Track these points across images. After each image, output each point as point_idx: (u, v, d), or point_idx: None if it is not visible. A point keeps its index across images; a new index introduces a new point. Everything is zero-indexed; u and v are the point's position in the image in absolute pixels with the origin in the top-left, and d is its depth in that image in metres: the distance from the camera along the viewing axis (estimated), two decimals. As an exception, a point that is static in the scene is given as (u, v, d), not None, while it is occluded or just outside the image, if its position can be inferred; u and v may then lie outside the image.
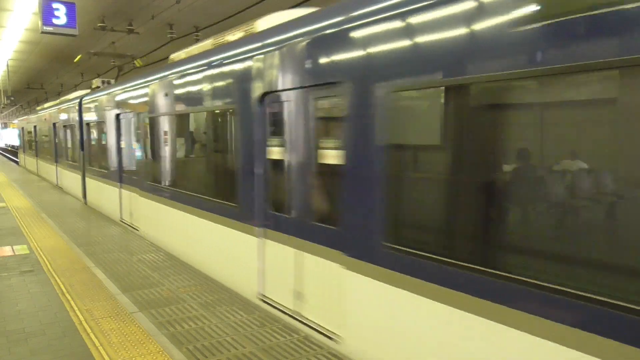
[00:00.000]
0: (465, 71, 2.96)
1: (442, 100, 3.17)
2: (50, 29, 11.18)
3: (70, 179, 15.20)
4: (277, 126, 5.11)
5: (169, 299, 5.62)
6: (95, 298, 5.64)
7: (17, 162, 32.67)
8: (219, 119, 6.24)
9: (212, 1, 13.02)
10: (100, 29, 15.31)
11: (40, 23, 11.14)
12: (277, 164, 5.06)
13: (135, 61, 17.64)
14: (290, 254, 4.86)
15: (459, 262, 3.04)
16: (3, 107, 43.38)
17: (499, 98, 2.90)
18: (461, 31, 2.99)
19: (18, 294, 5.82)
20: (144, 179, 8.79)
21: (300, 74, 4.49)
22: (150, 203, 8.55)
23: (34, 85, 31.77)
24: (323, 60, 4.20)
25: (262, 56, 5.09)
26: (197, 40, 15.75)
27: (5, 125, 66.59)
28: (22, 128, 27.33)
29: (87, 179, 13.28)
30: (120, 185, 10.34)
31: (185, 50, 7.78)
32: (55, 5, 11.10)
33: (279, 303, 5.12)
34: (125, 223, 10.16)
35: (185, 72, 6.97)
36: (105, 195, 11.52)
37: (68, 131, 15.13)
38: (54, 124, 17.29)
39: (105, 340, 4.50)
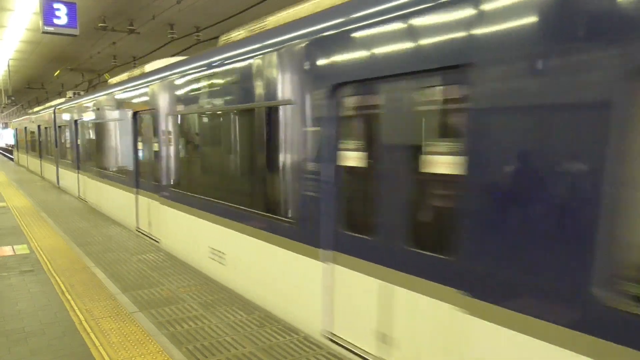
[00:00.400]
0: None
1: None
2: (51, 29, 11.19)
3: (50, 170, 19.20)
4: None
5: (168, 298, 5.62)
6: (95, 298, 5.64)
7: (12, 160, 36.34)
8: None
9: (213, 1, 13.03)
10: (101, 29, 15.33)
11: (41, 23, 11.15)
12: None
13: (105, 75, 20.91)
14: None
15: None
16: (4, 107, 43.41)
17: None
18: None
19: (18, 294, 5.82)
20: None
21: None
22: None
23: (34, 85, 31.78)
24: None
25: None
26: (198, 41, 15.79)
27: (6, 126, 66.59)
28: (16, 129, 31.55)
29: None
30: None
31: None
32: (56, 5, 11.11)
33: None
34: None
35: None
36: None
37: (48, 131, 18.68)
38: (39, 126, 20.96)
39: (105, 340, 4.50)
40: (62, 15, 11.17)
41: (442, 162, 3.28)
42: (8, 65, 23.70)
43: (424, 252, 3.40)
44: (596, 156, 2.39)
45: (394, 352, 3.67)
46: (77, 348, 4.35)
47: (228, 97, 5.82)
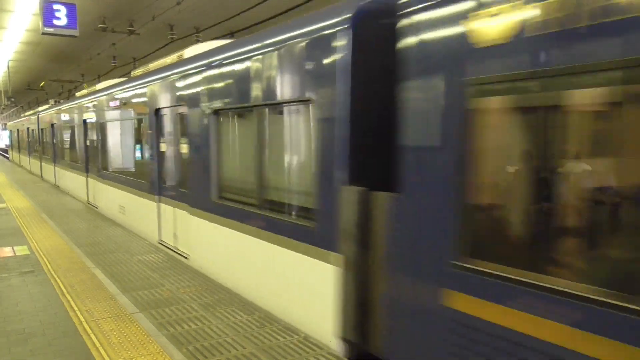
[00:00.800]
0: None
1: None
2: (51, 30, 11.21)
3: (35, 165, 23.35)
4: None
5: (169, 299, 5.62)
6: (95, 298, 5.64)
7: (8, 158, 41.02)
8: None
9: (213, 2, 13.04)
10: (101, 30, 15.34)
11: (40, 24, 11.16)
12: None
13: (84, 84, 25.13)
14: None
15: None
16: (3, 108, 43.40)
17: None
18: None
19: (18, 295, 5.83)
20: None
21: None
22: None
23: (34, 86, 31.78)
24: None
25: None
26: (198, 42, 15.80)
27: (6, 127, 66.67)
28: (11, 130, 36.77)
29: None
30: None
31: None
32: (55, 6, 11.13)
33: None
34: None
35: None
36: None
37: (33, 133, 23.30)
38: (27, 128, 25.37)
39: (106, 340, 4.50)
40: (61, 16, 11.18)
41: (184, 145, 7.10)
42: (8, 67, 23.71)
43: (178, 189, 7.42)
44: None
45: (177, 241, 7.61)
46: (77, 349, 4.36)
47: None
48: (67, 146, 15.45)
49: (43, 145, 20.51)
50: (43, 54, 21.61)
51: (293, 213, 4.87)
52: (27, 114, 27.62)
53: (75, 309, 5.33)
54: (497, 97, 2.93)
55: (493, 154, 3.03)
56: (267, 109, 5.18)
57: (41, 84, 27.05)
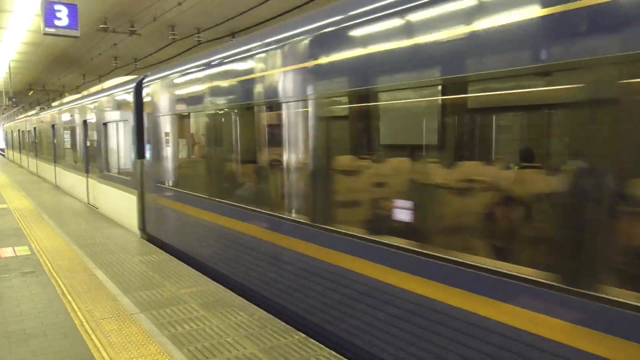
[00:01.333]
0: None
1: None
2: (52, 30, 11.20)
3: (25, 161, 28.40)
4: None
5: (170, 300, 5.62)
6: (96, 299, 5.64)
7: (4, 156, 47.75)
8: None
9: (214, 3, 13.03)
10: (102, 31, 15.35)
11: (42, 24, 11.17)
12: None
13: (65, 94, 28.40)
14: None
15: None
16: (4, 109, 43.47)
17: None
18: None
19: (19, 295, 5.83)
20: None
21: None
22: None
23: (35, 86, 31.83)
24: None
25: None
26: (199, 42, 15.81)
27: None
28: (6, 131, 42.53)
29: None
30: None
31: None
32: (57, 6, 11.13)
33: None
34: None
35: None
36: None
37: (26, 134, 27.12)
38: (19, 130, 29.87)
39: (106, 341, 4.50)
40: (63, 16, 11.18)
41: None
42: (9, 67, 23.74)
43: (93, 168, 12.29)
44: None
45: (95, 200, 12.40)
46: (78, 349, 4.35)
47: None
48: (44, 144, 21.06)
49: (27, 143, 27.03)
50: (44, 54, 21.63)
51: (123, 175, 10.08)
52: (20, 117, 33.05)
53: (76, 309, 5.32)
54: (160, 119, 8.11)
55: (159, 144, 8.19)
56: (114, 124, 10.53)
57: (30, 93, 32.29)
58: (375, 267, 3.87)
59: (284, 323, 4.88)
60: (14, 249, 8.10)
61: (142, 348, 4.35)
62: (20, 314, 5.21)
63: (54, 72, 26.44)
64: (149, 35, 16.38)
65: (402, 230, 3.69)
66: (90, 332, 4.71)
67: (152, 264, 7.12)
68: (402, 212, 3.71)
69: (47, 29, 11.15)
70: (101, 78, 24.75)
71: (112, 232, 9.55)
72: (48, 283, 6.27)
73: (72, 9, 11.32)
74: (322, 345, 4.34)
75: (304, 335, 4.58)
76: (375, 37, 3.77)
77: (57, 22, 11.17)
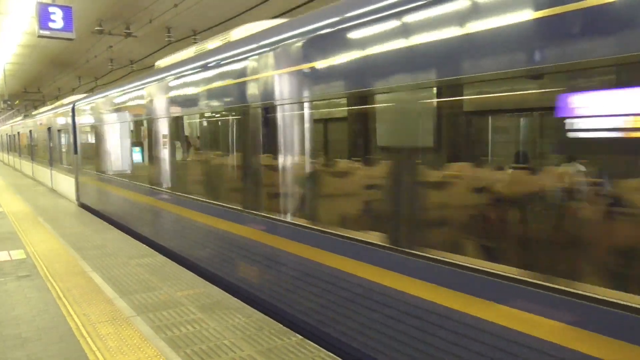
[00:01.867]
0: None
1: None
2: (46, 32, 11.16)
3: (10, 161, 34.06)
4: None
5: (166, 302, 5.59)
6: (92, 302, 5.61)
7: None
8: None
9: (210, 5, 13.04)
10: (98, 33, 15.32)
11: (36, 27, 11.12)
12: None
13: (49, 101, 31.93)
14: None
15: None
16: None
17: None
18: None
19: (15, 299, 5.79)
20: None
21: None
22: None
23: (31, 89, 31.73)
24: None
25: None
26: (195, 42, 15.79)
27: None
28: None
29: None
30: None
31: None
32: (51, 9, 11.09)
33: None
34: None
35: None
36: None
37: (12, 138, 31.91)
38: (7, 134, 34.92)
39: (103, 344, 4.47)
40: (57, 19, 11.14)
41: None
42: (4, 70, 23.67)
43: (55, 162, 17.32)
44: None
45: (56, 185, 17.31)
46: (74, 353, 4.32)
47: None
48: (25, 145, 25.61)
49: (13, 145, 32.07)
50: (40, 57, 21.57)
51: (65, 164, 15.20)
52: (10, 122, 37.57)
53: (72, 313, 5.29)
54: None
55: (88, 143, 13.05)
56: (61, 131, 15.55)
57: (16, 102, 36.42)
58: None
59: (281, 325, 4.87)
60: (9, 253, 8.05)
61: (138, 351, 4.32)
62: (16, 318, 5.18)
63: (49, 74, 26.36)
64: (145, 37, 16.38)
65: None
66: (86, 335, 4.69)
67: (148, 267, 7.09)
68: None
69: (41, 32, 11.11)
70: (97, 80, 24.70)
71: (106, 235, 9.51)
72: (43, 286, 6.24)
73: (67, 11, 11.29)
74: (319, 347, 4.33)
75: (301, 337, 4.57)
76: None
77: (51, 25, 11.13)
